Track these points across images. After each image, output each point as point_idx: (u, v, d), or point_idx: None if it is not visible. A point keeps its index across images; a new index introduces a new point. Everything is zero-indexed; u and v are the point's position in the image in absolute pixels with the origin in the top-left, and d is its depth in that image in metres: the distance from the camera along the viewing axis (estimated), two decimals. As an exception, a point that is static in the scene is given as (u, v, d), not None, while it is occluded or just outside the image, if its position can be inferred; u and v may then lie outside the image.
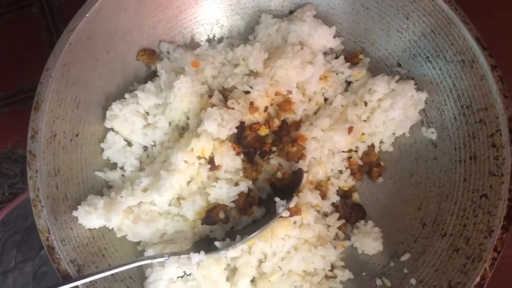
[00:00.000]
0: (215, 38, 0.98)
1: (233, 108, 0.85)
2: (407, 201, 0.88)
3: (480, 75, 0.81)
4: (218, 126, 0.82)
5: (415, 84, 0.90)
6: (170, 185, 0.80)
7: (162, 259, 0.76)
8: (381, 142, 0.93)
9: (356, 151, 0.92)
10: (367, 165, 0.91)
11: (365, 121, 0.90)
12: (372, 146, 0.92)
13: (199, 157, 0.83)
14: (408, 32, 0.91)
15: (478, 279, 0.72)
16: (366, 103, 0.90)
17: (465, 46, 0.83)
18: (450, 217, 0.81)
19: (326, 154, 0.89)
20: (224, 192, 0.83)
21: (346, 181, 0.90)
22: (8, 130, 1.02)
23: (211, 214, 0.81)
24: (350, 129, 0.87)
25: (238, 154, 0.85)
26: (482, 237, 0.75)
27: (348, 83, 0.95)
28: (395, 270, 0.82)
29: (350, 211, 0.89)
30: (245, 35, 0.97)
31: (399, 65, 0.93)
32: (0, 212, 0.97)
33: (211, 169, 0.83)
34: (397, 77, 0.89)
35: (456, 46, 0.85)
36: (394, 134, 0.92)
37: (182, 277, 0.80)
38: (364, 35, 0.96)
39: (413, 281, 0.79)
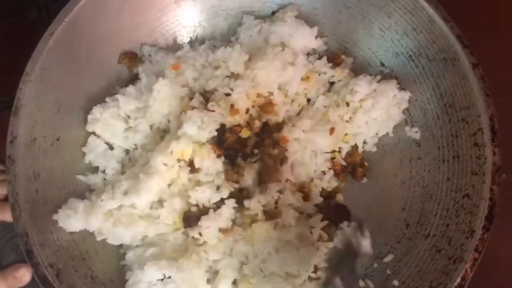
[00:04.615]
0: (198, 40, 0.98)
1: (213, 111, 0.84)
2: (391, 201, 0.87)
3: (461, 74, 0.80)
4: (198, 128, 0.82)
5: (399, 83, 0.89)
6: (150, 188, 0.80)
7: None
8: (364, 143, 0.92)
9: (339, 151, 0.91)
10: (351, 166, 0.91)
11: (347, 121, 0.90)
12: (356, 146, 0.92)
13: (178, 160, 0.83)
14: (390, 31, 0.90)
15: (458, 280, 0.71)
16: (348, 104, 0.89)
17: (447, 44, 0.82)
18: (434, 217, 0.80)
19: (309, 155, 0.88)
20: (206, 197, 0.82)
21: (330, 182, 0.89)
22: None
23: (189, 218, 0.80)
24: (332, 130, 0.87)
25: (218, 156, 0.84)
26: (463, 238, 0.74)
27: (331, 84, 0.94)
28: (378, 272, 0.81)
29: (334, 212, 0.88)
30: (227, 36, 0.97)
31: (383, 65, 0.93)
32: None
33: (191, 172, 0.83)
34: (378, 76, 0.89)
35: (438, 44, 0.84)
36: (377, 134, 0.91)
37: (162, 280, 0.79)
38: (347, 35, 0.95)
39: (395, 282, 0.78)
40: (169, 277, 0.79)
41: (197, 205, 0.84)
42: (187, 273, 0.76)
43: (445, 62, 0.83)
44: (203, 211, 0.83)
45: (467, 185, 0.78)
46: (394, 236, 0.84)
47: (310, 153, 0.88)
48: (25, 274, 0.87)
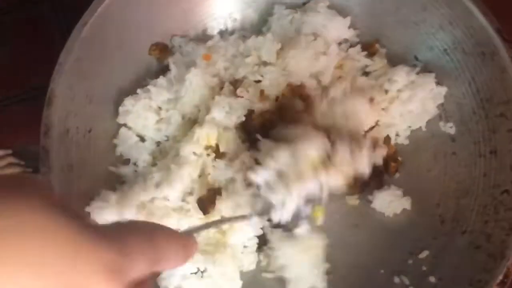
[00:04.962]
0: (228, 31, 0.97)
1: (242, 97, 0.83)
2: (425, 197, 0.86)
3: (501, 68, 0.79)
4: (226, 114, 0.81)
5: (434, 77, 0.87)
6: (181, 178, 0.79)
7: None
8: (396, 135, 0.90)
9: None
10: (384, 159, 0.89)
11: (383, 109, 0.88)
12: (388, 138, 0.90)
13: (206, 148, 0.82)
14: (425, 24, 0.88)
15: (501, 277, 0.70)
16: (386, 91, 0.87)
17: (485, 38, 0.80)
18: (470, 213, 0.79)
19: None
20: (220, 173, 0.82)
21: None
22: (20, 127, 1.02)
23: (203, 201, 0.79)
24: (371, 100, 0.85)
25: (243, 142, 0.83)
26: (504, 234, 0.73)
27: (365, 74, 0.93)
28: (414, 268, 0.80)
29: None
30: (258, 27, 0.96)
31: (416, 58, 0.91)
32: None
33: (216, 157, 0.82)
34: (418, 68, 0.87)
35: (475, 38, 0.82)
36: (410, 127, 0.90)
37: (195, 273, 0.79)
38: (380, 28, 0.93)
39: (432, 279, 0.77)
40: (203, 271, 0.78)
41: (212, 188, 0.82)
42: (224, 268, 0.76)
43: (483, 56, 0.82)
44: (216, 191, 0.82)
45: (506, 181, 0.76)
46: (429, 232, 0.82)
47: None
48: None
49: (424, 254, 0.81)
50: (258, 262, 0.84)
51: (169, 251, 0.43)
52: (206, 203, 0.81)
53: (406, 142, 0.90)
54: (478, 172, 0.81)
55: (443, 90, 0.86)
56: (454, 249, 0.78)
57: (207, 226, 0.66)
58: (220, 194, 0.80)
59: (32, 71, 1.07)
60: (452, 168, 0.85)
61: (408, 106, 0.86)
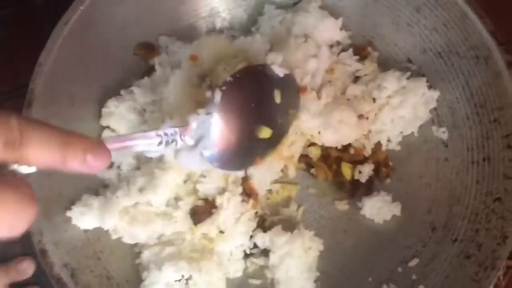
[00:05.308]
0: (216, 31, 0.94)
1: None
2: (416, 204, 0.84)
3: (495, 72, 0.77)
4: None
5: (426, 81, 0.85)
6: (166, 184, 0.77)
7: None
8: (388, 141, 0.89)
9: (364, 147, 0.87)
10: (375, 164, 0.87)
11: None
12: (379, 144, 0.88)
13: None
14: (418, 26, 0.86)
15: (491, 287, 0.68)
16: (374, 100, 0.85)
17: (480, 41, 0.78)
18: (462, 221, 0.78)
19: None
20: (212, 187, 0.79)
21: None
22: None
23: (197, 212, 0.78)
24: (361, 116, 0.83)
25: None
26: (495, 244, 0.71)
27: (356, 78, 0.90)
28: (403, 276, 0.79)
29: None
30: (247, 27, 0.93)
31: (409, 61, 0.89)
32: None
33: None
34: (408, 73, 0.85)
35: (470, 41, 0.80)
36: (401, 132, 0.88)
37: (179, 280, 0.77)
38: (372, 29, 0.91)
39: (421, 288, 0.76)
40: (188, 278, 0.76)
41: (205, 199, 0.80)
42: (210, 276, 0.74)
43: (477, 59, 0.80)
44: (211, 204, 0.79)
45: (499, 188, 0.75)
46: (419, 240, 0.81)
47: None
48: (28, 267, 0.85)
49: (414, 262, 0.79)
50: (245, 268, 0.82)
51: (76, 149, 0.40)
52: (199, 214, 0.78)
53: (398, 148, 0.89)
54: (470, 179, 0.79)
55: (435, 94, 0.84)
56: (445, 258, 0.77)
57: (123, 139, 0.55)
58: (215, 207, 0.78)
59: (22, 68, 1.05)
60: (444, 175, 0.83)
61: (399, 112, 0.84)
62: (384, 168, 0.87)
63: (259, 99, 0.70)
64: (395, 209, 0.84)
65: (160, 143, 0.58)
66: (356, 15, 0.91)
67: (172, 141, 0.60)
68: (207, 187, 0.78)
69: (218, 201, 0.77)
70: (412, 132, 0.88)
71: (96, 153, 0.42)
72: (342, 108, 0.82)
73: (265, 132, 0.71)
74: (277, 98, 0.72)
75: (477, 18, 0.78)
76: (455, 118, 0.84)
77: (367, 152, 0.87)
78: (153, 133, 0.58)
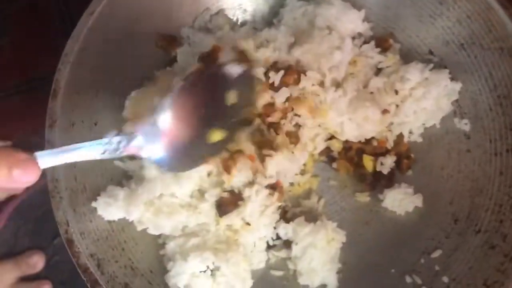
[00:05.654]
0: (238, 23, 0.94)
1: None
2: (438, 195, 0.84)
3: (520, 64, 0.77)
4: None
5: (449, 73, 0.85)
6: (189, 176, 0.77)
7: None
8: (410, 133, 0.88)
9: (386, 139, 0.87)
10: (397, 156, 0.87)
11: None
12: (401, 135, 0.88)
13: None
14: (441, 18, 0.86)
15: (517, 278, 0.69)
16: (396, 92, 0.85)
17: (504, 32, 0.78)
18: (485, 212, 0.78)
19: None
20: (240, 180, 0.79)
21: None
22: (21, 118, 1.00)
23: (222, 204, 0.78)
24: (385, 111, 0.83)
25: None
26: (520, 235, 0.72)
27: (378, 70, 0.90)
28: (426, 267, 0.79)
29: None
30: (269, 19, 0.93)
31: (431, 53, 0.89)
32: (13, 201, 0.95)
33: None
34: (431, 65, 0.85)
35: (494, 32, 0.80)
36: (423, 124, 0.88)
37: (205, 271, 0.77)
38: (394, 21, 0.91)
39: (445, 279, 0.75)
40: (212, 269, 0.77)
41: (230, 191, 0.80)
42: (236, 267, 0.74)
43: (501, 51, 0.79)
44: (237, 196, 0.79)
45: (523, 180, 0.75)
46: (442, 231, 0.81)
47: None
48: (38, 261, 0.85)
49: (437, 253, 0.79)
50: (267, 260, 0.83)
51: (1, 165, 0.43)
52: (225, 205, 0.78)
53: (420, 139, 0.88)
54: (493, 170, 0.79)
55: (457, 86, 0.84)
56: (468, 249, 0.77)
57: (57, 153, 0.56)
58: (242, 199, 0.78)
59: (32, 61, 1.04)
60: (466, 166, 0.83)
61: (422, 104, 0.84)
62: (406, 160, 0.87)
63: (211, 102, 0.69)
64: (417, 201, 0.84)
65: (104, 152, 0.58)
66: (377, 6, 0.91)
67: (117, 150, 0.59)
68: (235, 180, 0.78)
69: (246, 193, 0.77)
70: (434, 124, 0.88)
71: (23, 168, 0.45)
72: (366, 104, 0.82)
73: (217, 135, 0.71)
74: (232, 99, 0.71)
75: (502, 9, 0.78)
76: (478, 109, 0.83)
77: (389, 144, 0.87)
78: (94, 143, 0.58)
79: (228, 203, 0.77)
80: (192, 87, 0.66)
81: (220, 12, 0.92)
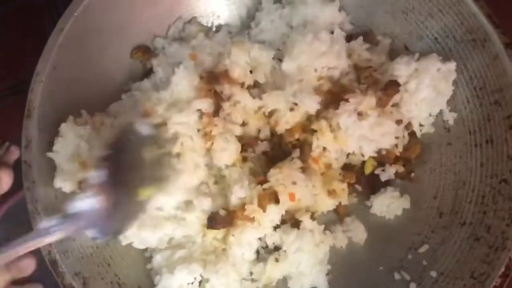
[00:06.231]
0: (212, 29, 0.94)
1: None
2: (422, 190, 0.84)
3: (493, 55, 0.77)
4: None
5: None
6: (177, 188, 0.77)
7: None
8: (420, 125, 0.87)
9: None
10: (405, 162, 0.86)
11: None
12: (413, 134, 0.87)
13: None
14: (413, 13, 0.86)
15: (502, 269, 0.69)
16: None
17: (476, 24, 0.79)
18: (469, 204, 0.78)
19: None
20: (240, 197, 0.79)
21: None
22: (14, 119, 0.98)
23: (214, 219, 0.77)
24: (399, 122, 0.82)
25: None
26: (504, 225, 0.71)
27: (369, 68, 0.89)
28: (414, 263, 0.79)
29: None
30: (246, 23, 0.93)
31: (406, 48, 0.89)
32: (5, 204, 0.94)
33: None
34: (417, 54, 0.83)
35: (466, 25, 0.80)
36: (430, 114, 0.86)
37: (192, 283, 0.76)
38: (368, 19, 0.91)
39: (433, 273, 0.76)
40: (200, 281, 0.76)
41: (226, 208, 0.79)
42: (226, 278, 0.74)
43: (474, 43, 0.80)
44: (233, 215, 0.78)
45: (504, 170, 0.75)
46: (427, 226, 0.81)
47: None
48: (29, 264, 0.84)
49: (424, 248, 0.79)
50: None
51: None
52: (217, 222, 0.77)
53: (432, 129, 0.87)
54: (474, 162, 0.80)
55: (452, 65, 0.82)
56: (454, 242, 0.77)
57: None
58: (234, 217, 0.77)
59: (24, 65, 1.04)
60: (448, 159, 0.83)
61: (419, 95, 0.83)
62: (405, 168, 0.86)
63: (132, 162, 0.68)
64: (405, 203, 0.84)
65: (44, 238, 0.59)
66: (350, 5, 0.91)
67: (55, 232, 0.59)
68: (236, 196, 0.78)
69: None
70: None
71: None
72: (381, 121, 0.81)
73: (147, 193, 0.69)
74: (147, 154, 0.70)
75: (472, 2, 0.78)
76: (456, 102, 0.84)
77: (398, 150, 0.86)
78: (32, 236, 0.59)
79: (221, 221, 0.76)
80: (112, 156, 0.64)
81: (193, 20, 0.92)
